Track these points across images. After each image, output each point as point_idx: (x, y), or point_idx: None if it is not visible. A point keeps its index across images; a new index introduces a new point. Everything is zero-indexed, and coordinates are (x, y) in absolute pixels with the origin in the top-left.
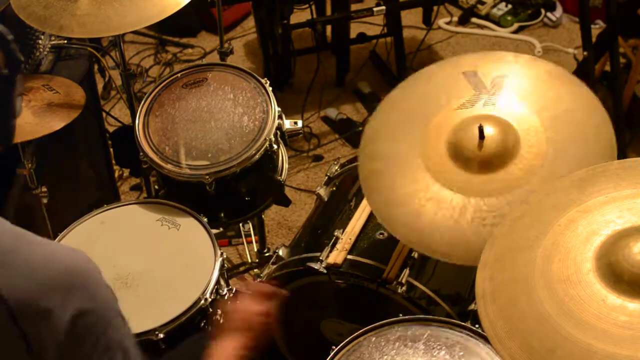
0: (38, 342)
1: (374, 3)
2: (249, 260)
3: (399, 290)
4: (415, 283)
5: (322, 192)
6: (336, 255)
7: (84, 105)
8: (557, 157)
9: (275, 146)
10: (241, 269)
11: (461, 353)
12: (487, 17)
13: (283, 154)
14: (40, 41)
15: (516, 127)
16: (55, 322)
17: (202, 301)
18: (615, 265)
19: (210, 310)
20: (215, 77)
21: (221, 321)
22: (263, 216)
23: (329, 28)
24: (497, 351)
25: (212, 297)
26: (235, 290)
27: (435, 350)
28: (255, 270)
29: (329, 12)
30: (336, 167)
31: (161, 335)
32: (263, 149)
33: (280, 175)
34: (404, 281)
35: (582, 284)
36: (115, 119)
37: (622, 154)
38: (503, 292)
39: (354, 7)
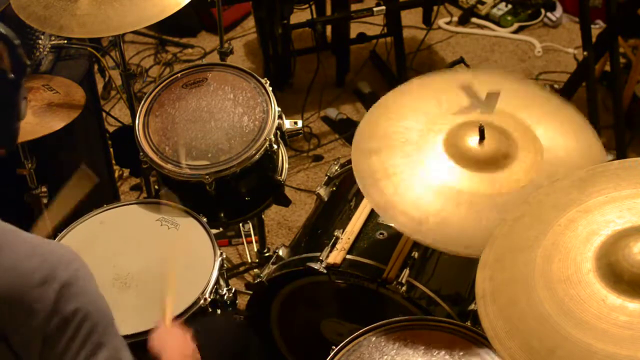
0: (19, 336)
1: (374, 3)
2: (249, 260)
3: (399, 290)
4: (415, 283)
5: (322, 192)
6: (336, 255)
7: (84, 105)
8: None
9: (275, 146)
10: (241, 269)
11: (461, 353)
12: (487, 17)
13: (283, 154)
14: (40, 41)
15: (513, 133)
16: (38, 315)
17: (202, 301)
18: (615, 265)
19: (210, 310)
20: (215, 77)
21: None
22: (263, 216)
23: (329, 28)
24: (497, 351)
25: (212, 297)
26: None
27: (435, 350)
28: (255, 270)
29: (329, 12)
30: (336, 167)
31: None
32: (263, 149)
33: (280, 175)
34: (404, 281)
35: (582, 284)
36: (115, 119)
37: (622, 154)
38: (503, 292)
39: (354, 7)
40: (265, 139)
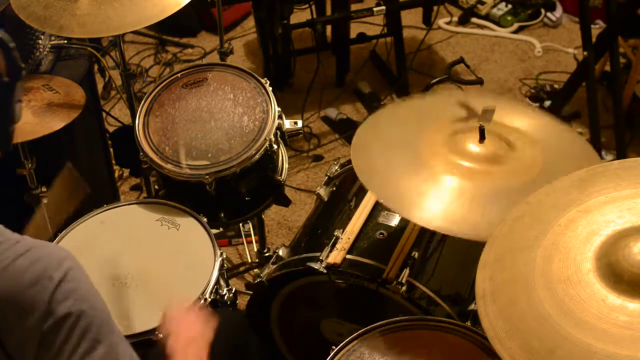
0: (13, 337)
1: (374, 3)
2: (249, 260)
3: (399, 290)
4: (415, 283)
5: (322, 192)
6: (336, 255)
7: (84, 105)
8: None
9: (275, 146)
10: (241, 269)
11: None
12: (487, 17)
13: (283, 154)
14: (40, 41)
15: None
16: (31, 316)
17: (202, 301)
18: (615, 265)
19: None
20: (215, 77)
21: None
22: (263, 216)
23: (329, 28)
24: (497, 351)
25: (212, 297)
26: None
27: (435, 351)
28: (255, 270)
29: (329, 12)
30: (336, 167)
31: (161, 335)
32: (263, 149)
33: (280, 175)
34: (404, 281)
35: (582, 284)
36: (115, 119)
37: (622, 154)
38: (503, 292)
39: (354, 7)
40: (265, 139)
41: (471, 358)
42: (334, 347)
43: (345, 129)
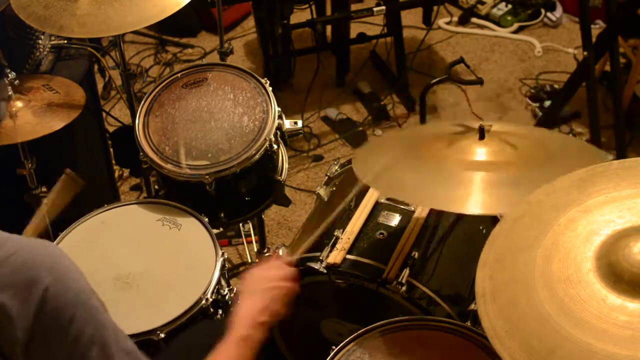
0: (2, 339)
1: (374, 3)
2: (249, 260)
3: (399, 290)
4: (415, 283)
5: (322, 192)
6: (336, 255)
7: (84, 105)
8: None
9: (275, 146)
10: (241, 269)
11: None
12: (487, 17)
13: (283, 154)
14: (40, 41)
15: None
16: (17, 319)
17: (203, 301)
18: (615, 265)
19: (212, 310)
20: (215, 77)
21: (241, 286)
22: (263, 216)
23: (329, 28)
24: (497, 351)
25: (213, 297)
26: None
27: (435, 351)
28: None
29: (329, 12)
30: (336, 167)
31: (162, 335)
32: (263, 149)
33: (280, 175)
34: (404, 281)
35: (582, 284)
36: (115, 119)
37: (622, 154)
38: (503, 291)
39: (354, 7)
40: (265, 139)
41: (471, 358)
42: (334, 347)
43: (345, 129)
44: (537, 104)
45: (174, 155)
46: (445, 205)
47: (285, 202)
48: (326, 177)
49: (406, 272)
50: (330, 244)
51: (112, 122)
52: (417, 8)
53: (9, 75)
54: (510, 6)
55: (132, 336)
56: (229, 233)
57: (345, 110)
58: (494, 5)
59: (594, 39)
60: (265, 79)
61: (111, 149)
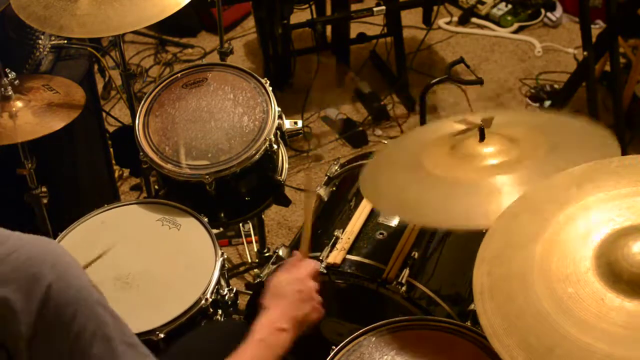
0: (6, 334)
1: (374, 3)
2: (249, 260)
3: (399, 290)
4: (415, 283)
5: (322, 192)
6: (336, 255)
7: (84, 105)
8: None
9: (275, 146)
10: (241, 269)
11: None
12: (487, 17)
13: (283, 154)
14: (40, 41)
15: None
16: (21, 314)
17: (203, 301)
18: (614, 265)
19: (211, 310)
20: (215, 77)
21: (266, 291)
22: (263, 216)
23: (329, 28)
24: (495, 349)
25: (213, 297)
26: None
27: (435, 351)
28: (255, 270)
29: (329, 12)
30: (336, 167)
31: (162, 335)
32: (263, 149)
33: (280, 175)
34: (403, 281)
35: (581, 283)
36: (115, 119)
37: (622, 154)
38: (501, 288)
39: (354, 7)
40: (265, 139)
41: (471, 358)
42: (334, 347)
43: (345, 129)
44: (537, 104)
45: (174, 155)
46: (480, 221)
47: (285, 202)
48: (326, 177)
49: (406, 272)
50: (330, 244)
51: (112, 122)
52: (417, 8)
53: (9, 75)
54: (510, 6)
55: None
56: (229, 233)
57: (345, 110)
58: (494, 5)
59: (594, 39)
60: (265, 79)
61: (111, 149)
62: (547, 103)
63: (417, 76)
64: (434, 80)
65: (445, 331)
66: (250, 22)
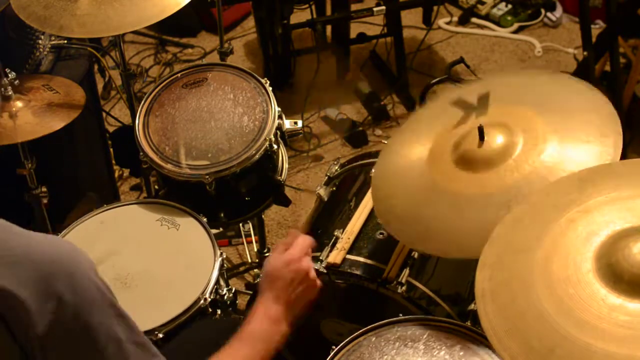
0: (22, 333)
1: (374, 3)
2: (249, 260)
3: (399, 290)
4: (415, 283)
5: (322, 192)
6: (336, 255)
7: (84, 105)
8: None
9: (275, 146)
10: (241, 269)
11: (461, 353)
12: (487, 17)
13: (283, 154)
14: (40, 41)
15: (512, 124)
16: (35, 315)
17: (202, 301)
18: (615, 266)
19: (210, 310)
20: (215, 77)
21: (262, 278)
22: (263, 216)
23: (329, 28)
24: (496, 350)
25: (212, 297)
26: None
27: (436, 350)
28: (255, 270)
29: (329, 12)
30: (336, 167)
31: (161, 335)
32: (263, 149)
33: (280, 175)
34: (404, 281)
35: (582, 284)
36: (115, 119)
37: (622, 154)
38: (502, 291)
39: (354, 7)
40: (265, 139)
41: (471, 358)
42: (334, 347)
43: (345, 129)
44: None
45: (174, 155)
46: None
47: (285, 202)
48: (326, 177)
49: (406, 272)
50: (330, 244)
51: (112, 122)
52: (417, 8)
53: (9, 75)
54: (510, 6)
55: None
56: (229, 233)
57: (345, 110)
58: (494, 5)
59: (594, 39)
60: (265, 79)
61: (111, 149)
62: None
63: (417, 76)
64: (434, 80)
65: (445, 331)
66: (250, 22)
